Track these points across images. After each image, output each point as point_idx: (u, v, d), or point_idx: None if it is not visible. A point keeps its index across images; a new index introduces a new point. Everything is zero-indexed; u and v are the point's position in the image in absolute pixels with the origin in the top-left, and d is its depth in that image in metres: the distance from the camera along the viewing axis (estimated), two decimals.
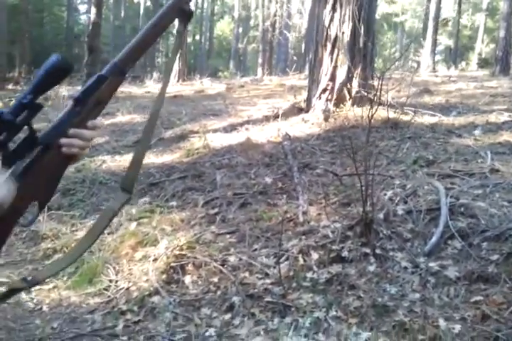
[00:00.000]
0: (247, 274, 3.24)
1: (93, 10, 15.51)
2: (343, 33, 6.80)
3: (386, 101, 6.28)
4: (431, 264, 3.00)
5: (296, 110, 7.21)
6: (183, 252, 3.48)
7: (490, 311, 2.55)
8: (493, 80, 12.33)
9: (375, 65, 7.93)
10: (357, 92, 6.70)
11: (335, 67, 6.82)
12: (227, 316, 2.89)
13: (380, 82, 4.85)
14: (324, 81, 6.84)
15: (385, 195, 3.82)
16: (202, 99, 10.89)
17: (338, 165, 4.96)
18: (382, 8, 30.44)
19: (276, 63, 26.05)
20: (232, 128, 7.05)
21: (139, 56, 1.02)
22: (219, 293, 3.11)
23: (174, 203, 4.51)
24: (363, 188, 3.40)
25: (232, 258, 3.43)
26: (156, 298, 3.08)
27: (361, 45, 6.81)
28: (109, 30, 32.94)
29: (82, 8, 38.16)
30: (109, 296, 3.19)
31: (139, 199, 4.58)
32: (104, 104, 0.98)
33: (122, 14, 35.95)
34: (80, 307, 3.11)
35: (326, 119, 6.51)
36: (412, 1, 35.41)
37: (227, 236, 3.78)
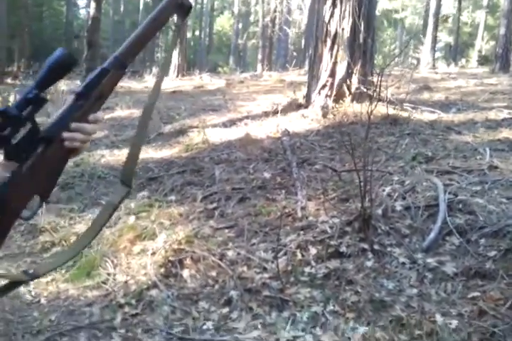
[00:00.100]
0: (245, 268, 3.24)
1: (92, 4, 15.46)
2: (343, 29, 6.79)
3: (385, 97, 6.27)
4: (428, 260, 3.01)
5: (296, 106, 7.20)
6: (182, 246, 3.48)
7: (487, 307, 2.56)
8: (492, 77, 12.33)
9: (375, 62, 7.92)
10: (356, 88, 6.70)
11: (335, 63, 6.81)
12: (225, 310, 2.90)
13: (380, 79, 4.85)
14: (324, 77, 6.83)
15: (384, 190, 3.83)
16: (201, 95, 10.88)
17: (337, 161, 4.96)
18: (382, 5, 30.38)
19: (276, 59, 26.02)
20: (231, 123, 7.04)
21: (139, 50, 1.02)
22: (217, 287, 3.11)
23: (173, 197, 4.51)
24: (362, 184, 3.40)
25: (230, 253, 3.43)
26: (154, 292, 3.08)
27: (361, 41, 6.80)
28: (108, 25, 32.85)
29: (82, 2, 38.12)
30: (107, 289, 3.19)
31: (137, 194, 4.58)
32: (105, 98, 0.99)
33: (122, 9, 35.84)
34: (78, 300, 3.12)
35: (325, 115, 6.51)
36: None
37: (226, 230, 3.78)
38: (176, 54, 18.17)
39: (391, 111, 6.09)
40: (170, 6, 1.02)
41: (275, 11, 23.48)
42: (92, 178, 5.12)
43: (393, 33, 40.09)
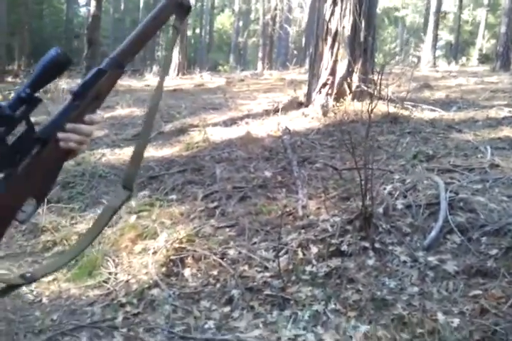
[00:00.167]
0: (246, 267, 3.24)
1: (93, 2, 15.45)
2: (343, 27, 6.78)
3: (386, 95, 6.27)
4: (430, 258, 3.01)
5: (296, 104, 7.20)
6: (183, 245, 3.49)
7: (488, 305, 2.56)
8: (493, 76, 12.31)
9: (376, 60, 7.91)
10: (357, 87, 6.69)
11: (335, 62, 6.80)
12: (227, 309, 2.90)
13: (380, 77, 4.85)
14: (324, 75, 6.82)
15: (385, 189, 3.82)
16: (202, 93, 10.87)
17: (337, 160, 4.96)
18: (383, 3, 30.29)
19: (277, 57, 25.99)
20: (231, 122, 7.04)
21: (138, 49, 1.01)
22: (218, 285, 3.12)
23: (174, 196, 4.51)
24: (363, 182, 3.40)
25: (231, 252, 3.43)
26: (155, 291, 3.08)
27: (362, 39, 6.79)
28: (108, 22, 32.81)
29: (82, 0, 38.00)
30: (108, 289, 3.20)
31: (138, 193, 4.58)
32: (102, 98, 0.98)
33: (122, 7, 35.80)
34: (79, 299, 3.12)
35: (326, 114, 6.50)
36: None
37: (227, 229, 3.78)
38: (176, 52, 18.15)
39: (392, 109, 6.08)
40: (169, 5, 1.01)
41: (276, 9, 23.45)
42: (93, 177, 5.12)
43: (394, 31, 40.04)
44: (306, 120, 6.49)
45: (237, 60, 29.70)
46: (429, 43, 20.40)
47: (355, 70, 6.76)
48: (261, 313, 2.84)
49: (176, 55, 18.17)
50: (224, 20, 41.93)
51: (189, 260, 3.37)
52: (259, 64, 23.76)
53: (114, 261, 3.46)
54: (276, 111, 6.91)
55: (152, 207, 4.23)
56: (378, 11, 22.42)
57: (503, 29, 15.66)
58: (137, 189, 4.64)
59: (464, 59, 23.77)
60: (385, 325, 2.57)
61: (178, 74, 17.45)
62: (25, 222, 0.97)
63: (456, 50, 28.71)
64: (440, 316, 2.53)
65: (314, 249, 3.30)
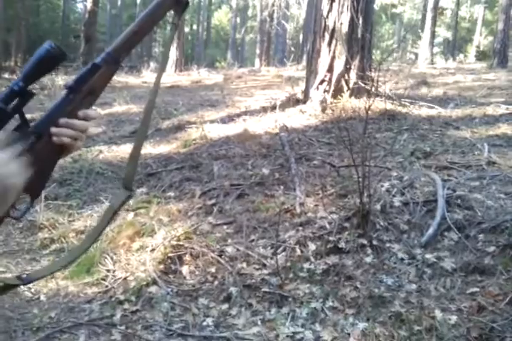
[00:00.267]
0: (244, 265, 3.25)
1: None
2: (341, 23, 6.77)
3: (384, 92, 6.28)
4: (427, 256, 3.02)
5: (294, 101, 7.19)
6: (181, 243, 3.48)
7: (486, 302, 2.57)
8: (490, 73, 12.34)
9: (373, 57, 7.90)
10: (355, 83, 6.69)
11: (333, 58, 6.79)
12: (225, 306, 2.91)
13: (378, 74, 4.84)
14: (322, 72, 6.82)
15: (382, 186, 3.83)
16: (199, 90, 10.85)
17: (335, 157, 4.96)
18: None
19: (274, 54, 25.96)
20: (229, 119, 7.03)
21: (134, 45, 1.00)
22: (216, 283, 3.12)
23: (171, 194, 4.51)
24: (360, 180, 3.40)
25: (229, 249, 3.43)
26: (153, 288, 3.08)
27: (359, 36, 6.78)
28: (105, 18, 32.70)
29: None
30: (106, 286, 3.19)
31: (136, 190, 4.57)
32: (97, 94, 0.97)
33: (119, 2, 35.65)
34: (77, 296, 3.12)
35: (324, 110, 6.50)
36: None
37: (225, 226, 3.78)
38: (173, 49, 18.11)
39: (389, 106, 6.08)
40: (167, 0, 1.00)
41: (273, 6, 23.39)
42: (90, 174, 5.11)
43: (391, 28, 40.01)
44: (304, 117, 6.48)
45: (234, 57, 29.64)
46: (427, 40, 20.41)
47: (353, 67, 6.75)
48: (259, 310, 2.84)
49: (173, 52, 18.12)
50: (221, 17, 41.83)
51: (187, 257, 3.37)
52: (257, 60, 23.74)
53: (112, 258, 3.46)
54: (273, 107, 6.90)
55: (150, 204, 4.23)
56: (376, 7, 22.40)
57: (500, 26, 15.68)
58: (135, 186, 4.64)
59: (461, 56, 23.77)
60: (383, 322, 2.58)
61: (175, 71, 17.42)
62: (19, 219, 0.96)
63: (454, 47, 28.73)
64: (438, 313, 2.54)
65: (312, 246, 3.30)
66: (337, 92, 6.71)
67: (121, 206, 1.01)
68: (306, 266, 3.13)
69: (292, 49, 24.45)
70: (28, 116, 0.91)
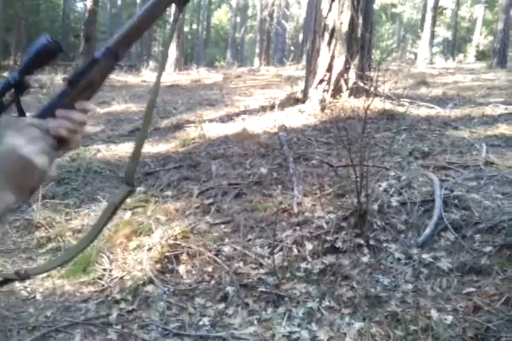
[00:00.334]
0: (241, 264, 3.24)
1: None
2: (341, 23, 6.76)
3: (383, 92, 6.27)
4: (424, 256, 3.02)
5: (293, 101, 7.19)
6: (178, 242, 3.48)
7: (482, 302, 2.57)
8: (490, 73, 12.33)
9: (373, 56, 7.90)
10: (354, 83, 6.68)
11: (332, 58, 6.78)
12: (221, 306, 2.91)
13: (377, 73, 4.84)
14: (321, 71, 6.81)
15: (380, 186, 3.83)
16: (198, 89, 10.85)
17: (333, 156, 4.96)
18: None
19: (274, 53, 25.96)
20: (228, 118, 7.02)
21: (134, 40, 1.00)
22: (213, 282, 3.12)
23: (169, 193, 4.50)
24: (358, 179, 3.40)
25: (226, 248, 3.43)
26: (150, 287, 3.08)
27: (359, 35, 6.77)
28: (105, 18, 32.68)
29: None
30: (103, 285, 3.19)
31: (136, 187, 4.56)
32: (96, 88, 0.97)
33: (119, 2, 35.63)
34: (73, 296, 3.11)
35: (323, 110, 6.50)
36: None
37: (222, 226, 3.78)
38: (173, 48, 18.11)
39: (388, 106, 6.08)
40: None
41: (273, 5, 23.39)
42: (88, 173, 5.10)
43: (391, 28, 40.00)
44: (303, 116, 6.48)
45: (234, 56, 29.64)
46: (426, 40, 20.40)
47: (352, 67, 6.75)
48: (255, 310, 2.84)
49: (173, 51, 18.12)
50: (221, 16, 41.81)
51: (184, 256, 3.37)
52: (256, 60, 23.73)
53: (108, 257, 3.45)
54: (272, 107, 6.90)
55: (147, 203, 4.22)
56: (376, 7, 22.40)
57: (500, 26, 15.68)
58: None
59: (460, 56, 23.77)
60: (379, 322, 2.58)
61: (175, 70, 17.41)
62: (13, 213, 0.96)
63: (453, 47, 28.73)
64: (434, 313, 2.54)
65: (309, 246, 3.30)
66: (336, 92, 6.71)
67: (122, 201, 1.01)
68: (302, 265, 3.12)
69: (292, 48, 24.43)
70: (27, 114, 0.91)
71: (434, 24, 21.16)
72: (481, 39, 25.78)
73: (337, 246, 3.25)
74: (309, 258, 3.19)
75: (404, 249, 3.12)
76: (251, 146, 5.43)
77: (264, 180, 4.49)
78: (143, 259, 3.34)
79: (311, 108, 6.63)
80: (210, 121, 6.83)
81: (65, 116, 0.91)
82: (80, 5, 35.96)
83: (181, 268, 3.29)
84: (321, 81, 6.78)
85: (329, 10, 6.81)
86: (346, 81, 6.75)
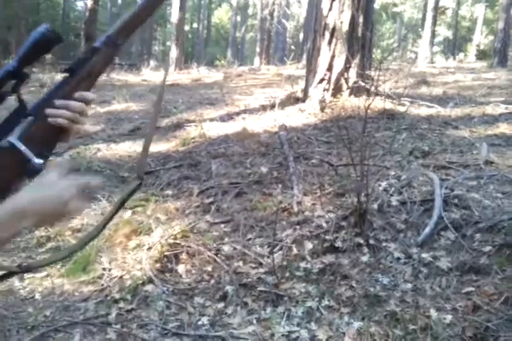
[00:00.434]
0: (240, 263, 3.24)
1: None
2: (341, 22, 6.75)
3: (383, 91, 6.26)
4: (423, 255, 3.01)
5: (293, 100, 7.18)
6: (177, 241, 3.48)
7: (481, 302, 2.56)
8: (490, 72, 12.32)
9: (373, 55, 7.89)
10: (354, 82, 6.67)
11: (333, 57, 6.78)
12: (220, 305, 2.90)
13: (378, 73, 4.83)
14: (322, 70, 6.80)
15: (380, 185, 3.83)
16: (199, 88, 10.83)
17: (333, 156, 4.96)
18: None
19: (274, 52, 25.94)
20: (228, 117, 7.02)
21: (134, 29, 1.00)
22: (212, 282, 3.11)
23: (169, 192, 4.50)
24: (358, 179, 3.40)
25: (226, 248, 3.43)
26: (149, 287, 3.08)
27: (359, 34, 6.77)
28: (106, 17, 32.66)
29: None
30: (102, 284, 3.19)
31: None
32: (96, 77, 0.96)
33: (119, 1, 35.63)
34: (72, 295, 3.11)
35: (323, 109, 6.49)
36: None
37: (222, 225, 3.78)
38: (173, 47, 18.11)
39: (388, 105, 6.07)
40: None
41: (274, 4, 23.37)
42: (88, 172, 5.10)
43: (392, 27, 39.97)
44: (303, 115, 6.48)
45: (234, 55, 29.62)
46: (427, 39, 20.38)
47: (353, 66, 6.74)
48: (255, 309, 2.84)
49: (173, 50, 18.12)
50: (222, 15, 41.79)
51: (183, 256, 3.37)
52: (257, 59, 23.71)
53: (108, 256, 3.45)
54: (273, 106, 6.89)
55: (147, 202, 4.22)
56: (376, 6, 22.39)
57: (501, 25, 15.66)
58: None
59: (461, 55, 23.75)
60: (378, 322, 2.57)
61: (175, 69, 17.40)
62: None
63: (454, 46, 28.70)
64: (433, 312, 2.54)
65: (309, 245, 3.30)
66: (336, 91, 6.70)
67: (131, 194, 1.01)
68: (302, 265, 3.12)
69: (292, 48, 24.41)
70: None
71: (434, 23, 21.14)
72: (481, 38, 25.76)
73: (336, 245, 3.25)
74: (309, 258, 3.19)
75: (403, 249, 3.12)
76: (251, 145, 5.42)
77: (265, 179, 4.48)
78: (142, 259, 3.34)
79: (312, 107, 6.63)
80: (211, 120, 6.83)
81: (65, 105, 0.91)
82: (80, 4, 35.98)
83: (181, 268, 3.28)
84: (322, 80, 6.78)
85: (330, 9, 6.81)
86: (347, 80, 6.74)
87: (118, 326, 2.75)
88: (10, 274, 0.98)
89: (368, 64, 7.02)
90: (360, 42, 6.81)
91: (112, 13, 34.62)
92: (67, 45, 22.05)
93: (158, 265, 3.28)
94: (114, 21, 1.02)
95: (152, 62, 19.89)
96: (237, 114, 7.15)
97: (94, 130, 6.83)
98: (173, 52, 18.03)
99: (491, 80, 10.02)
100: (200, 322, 2.77)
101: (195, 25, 39.39)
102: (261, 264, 3.21)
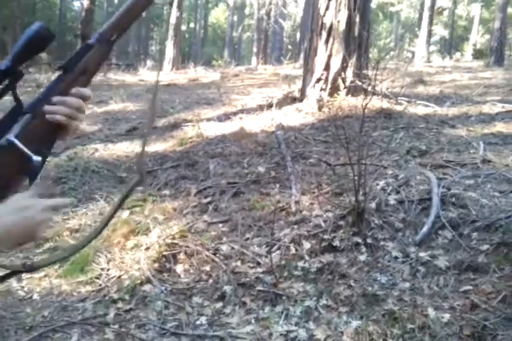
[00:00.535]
0: (238, 263, 3.24)
1: None
2: (338, 21, 6.76)
3: (380, 91, 6.26)
4: (421, 254, 3.02)
5: (291, 99, 7.18)
6: (175, 241, 3.48)
7: (479, 300, 2.57)
8: (487, 71, 12.34)
9: (370, 55, 7.89)
10: (351, 82, 6.68)
11: (330, 56, 6.78)
12: (219, 305, 2.91)
13: (375, 72, 4.83)
14: (319, 70, 6.80)
15: (378, 184, 3.83)
16: (196, 88, 10.83)
17: (331, 155, 4.96)
18: None
19: (271, 52, 25.93)
20: (225, 117, 7.02)
21: (127, 25, 1.00)
22: (211, 281, 3.12)
23: (167, 192, 4.50)
24: (356, 178, 3.40)
25: (224, 247, 3.43)
26: (147, 287, 3.08)
27: (356, 34, 6.77)
28: (102, 16, 32.58)
29: None
30: (100, 285, 3.19)
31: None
32: (91, 74, 0.96)
33: (116, 1, 35.56)
34: (71, 295, 3.11)
35: (320, 109, 6.49)
36: None
37: (220, 225, 3.78)
38: (170, 47, 18.09)
39: (386, 104, 6.07)
40: None
41: (270, 4, 23.37)
42: (86, 172, 5.09)
43: (389, 26, 40.02)
44: (300, 115, 6.48)
45: (231, 55, 29.61)
46: (424, 38, 20.41)
47: (350, 65, 6.74)
48: (253, 309, 2.84)
49: (170, 50, 18.10)
50: (218, 15, 41.76)
51: (181, 256, 3.37)
52: (254, 58, 23.72)
53: (106, 256, 3.45)
54: (270, 106, 6.89)
55: (145, 202, 4.22)
56: (373, 5, 22.41)
57: (497, 24, 15.70)
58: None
59: (458, 54, 23.80)
60: (376, 321, 2.58)
61: (172, 69, 17.39)
62: None
63: (451, 46, 28.76)
64: (431, 311, 2.55)
65: (307, 245, 3.30)
66: (334, 90, 6.70)
67: (131, 190, 1.01)
68: (300, 264, 3.13)
69: (289, 47, 24.43)
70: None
71: (431, 23, 21.17)
72: (478, 37, 25.83)
73: (334, 244, 3.25)
74: (307, 257, 3.19)
75: (401, 247, 3.13)
76: (249, 145, 5.42)
77: (262, 179, 4.49)
78: (140, 258, 3.33)
79: (309, 107, 6.63)
80: (208, 120, 6.82)
81: (61, 101, 0.91)
82: (76, 4, 35.90)
83: (179, 268, 3.29)
84: (319, 80, 6.78)
85: (326, 8, 6.81)
86: (344, 79, 6.74)
87: (116, 326, 2.75)
88: (14, 273, 0.98)
89: (365, 63, 7.03)
90: (357, 41, 6.81)
91: (109, 13, 34.54)
92: (64, 45, 22.01)
93: (156, 265, 3.28)
94: None
95: (149, 62, 19.87)
96: (235, 113, 7.15)
97: (91, 130, 6.82)
98: (170, 52, 18.02)
99: (487, 79, 10.04)
100: (198, 322, 2.77)
101: (191, 24, 39.36)
102: (259, 264, 3.21)
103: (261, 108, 7.07)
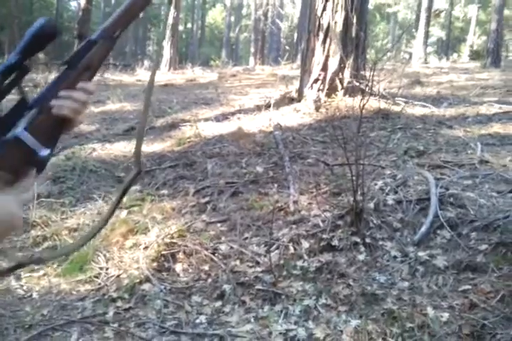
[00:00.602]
0: (237, 262, 3.25)
1: None
2: (335, 22, 6.78)
3: (378, 91, 6.28)
4: (420, 253, 3.03)
5: (288, 100, 7.19)
6: (174, 240, 3.48)
7: (477, 300, 2.58)
8: (484, 72, 12.40)
9: (367, 56, 7.92)
10: (349, 82, 6.70)
11: (327, 57, 6.80)
12: (218, 304, 2.91)
13: (372, 73, 4.85)
14: (316, 71, 6.82)
15: (376, 184, 3.84)
16: (193, 88, 10.82)
17: (329, 155, 4.97)
18: None
19: (269, 52, 25.95)
20: (223, 117, 7.02)
21: (129, 21, 1.01)
22: (210, 280, 3.12)
23: (165, 192, 4.50)
24: (354, 178, 3.41)
25: (223, 247, 3.44)
26: (146, 286, 3.08)
27: (353, 35, 6.79)
28: (99, 16, 32.54)
29: None
30: (99, 284, 3.19)
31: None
32: (94, 70, 0.97)
33: (113, 0, 35.53)
34: (70, 294, 3.11)
35: (318, 109, 6.51)
36: None
37: (218, 224, 3.78)
38: (167, 47, 18.08)
39: (383, 105, 6.10)
40: None
41: (268, 4, 23.39)
42: (84, 172, 5.08)
43: (386, 27, 40.11)
44: (298, 115, 6.49)
45: (229, 55, 29.62)
46: (421, 40, 20.48)
47: (347, 66, 6.76)
48: (252, 308, 2.85)
49: (167, 50, 18.10)
50: (216, 15, 41.77)
51: (180, 255, 3.37)
52: (251, 59, 23.74)
53: (105, 256, 3.45)
54: (268, 106, 6.89)
55: (143, 202, 4.22)
56: (370, 6, 22.46)
57: (493, 26, 15.77)
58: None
59: (455, 55, 23.89)
60: (375, 320, 2.59)
61: (169, 69, 17.38)
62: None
63: (447, 47, 28.85)
64: (430, 310, 2.56)
65: (305, 244, 3.31)
66: (331, 91, 6.72)
67: (130, 182, 1.03)
68: (299, 263, 3.13)
69: (286, 48, 24.45)
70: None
71: (428, 24, 21.25)
72: (474, 39, 25.92)
73: (333, 244, 3.26)
74: (306, 257, 3.20)
75: (400, 247, 3.14)
76: (246, 145, 5.43)
77: (260, 179, 4.49)
78: (139, 258, 3.34)
79: (306, 107, 6.64)
80: (206, 120, 6.83)
81: (68, 96, 0.92)
82: (73, 4, 35.87)
83: (178, 267, 3.29)
84: (316, 80, 6.80)
85: (323, 9, 6.83)
86: (341, 80, 6.76)
87: (116, 325, 2.75)
88: (21, 266, 1.00)
89: (362, 64, 7.05)
90: (354, 42, 6.83)
91: (106, 13, 34.49)
92: (61, 45, 21.97)
93: (155, 264, 3.29)
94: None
95: (146, 62, 19.84)
96: (232, 113, 7.16)
97: (89, 130, 6.81)
98: (167, 53, 18.01)
99: (484, 80, 10.08)
100: (197, 321, 2.77)
101: (189, 25, 39.35)
102: (258, 263, 3.22)
103: (259, 108, 7.08)
